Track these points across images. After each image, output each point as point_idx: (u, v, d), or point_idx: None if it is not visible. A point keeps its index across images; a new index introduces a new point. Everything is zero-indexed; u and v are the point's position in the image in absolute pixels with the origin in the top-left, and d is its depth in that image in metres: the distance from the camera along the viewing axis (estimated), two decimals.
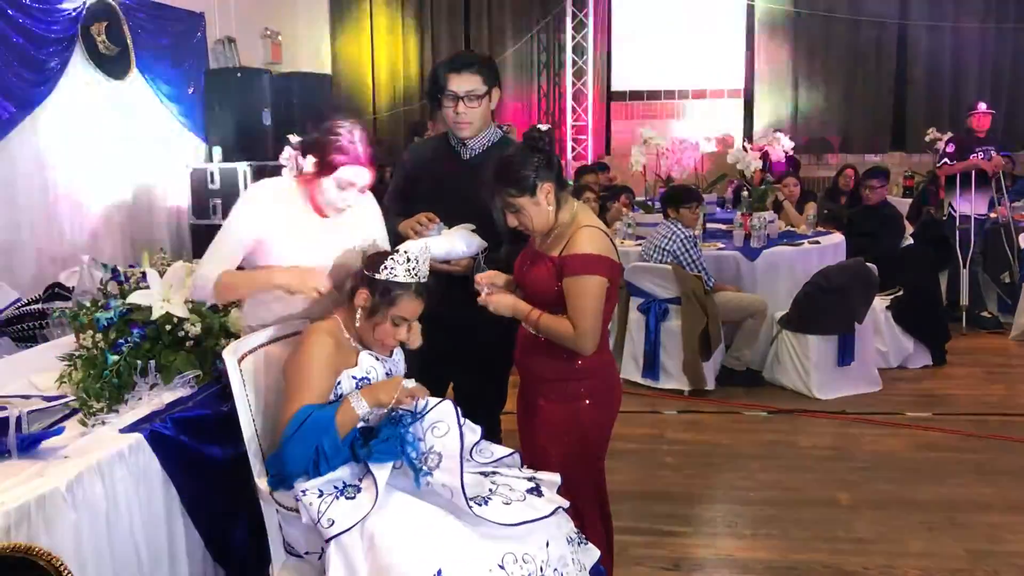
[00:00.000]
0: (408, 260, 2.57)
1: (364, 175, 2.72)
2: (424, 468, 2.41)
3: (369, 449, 2.41)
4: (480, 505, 2.34)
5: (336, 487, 2.39)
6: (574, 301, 2.69)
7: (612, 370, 2.95)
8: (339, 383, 2.55)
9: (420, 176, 3.27)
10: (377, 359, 2.63)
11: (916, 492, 4.29)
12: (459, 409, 2.52)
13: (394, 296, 2.55)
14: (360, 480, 2.43)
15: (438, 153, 3.31)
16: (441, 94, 3.14)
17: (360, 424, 2.47)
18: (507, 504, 2.37)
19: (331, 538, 2.28)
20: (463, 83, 3.11)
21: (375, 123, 10.46)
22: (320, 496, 2.36)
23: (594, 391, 2.82)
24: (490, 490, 2.43)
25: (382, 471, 2.39)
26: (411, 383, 2.50)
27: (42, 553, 1.99)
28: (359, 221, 2.85)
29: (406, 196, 3.27)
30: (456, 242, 3.02)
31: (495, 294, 2.80)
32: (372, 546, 2.26)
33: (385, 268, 2.56)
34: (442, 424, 2.47)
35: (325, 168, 2.67)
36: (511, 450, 2.76)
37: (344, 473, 2.43)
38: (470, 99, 3.12)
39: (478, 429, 2.74)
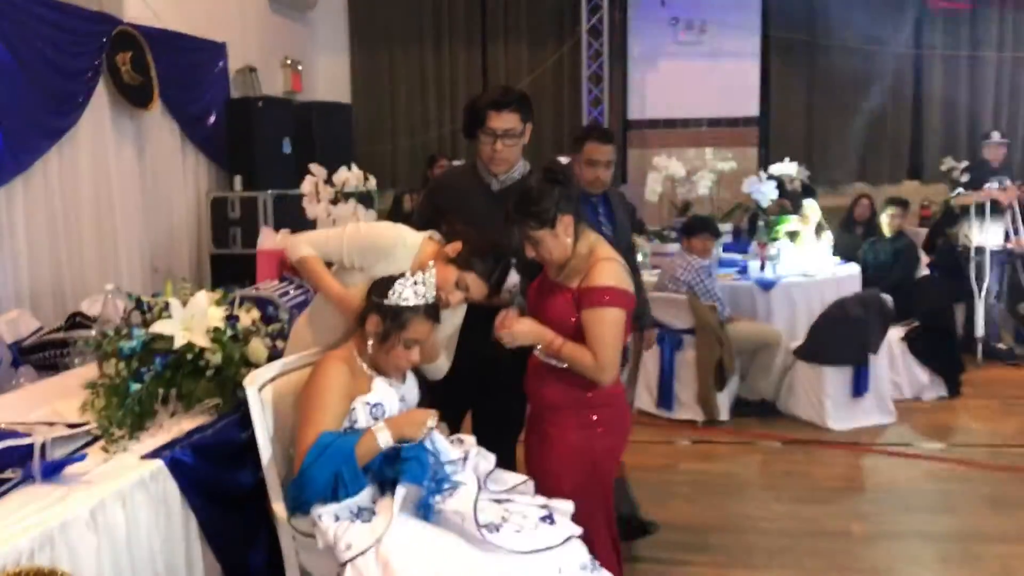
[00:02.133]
0: (415, 283, 2.62)
1: (482, 291, 2.83)
2: (435, 497, 2.45)
3: (397, 469, 2.46)
4: (492, 532, 2.37)
5: (351, 511, 2.44)
6: (595, 333, 2.73)
7: (622, 398, 2.99)
8: (353, 409, 2.59)
9: (449, 207, 3.29)
10: (390, 385, 2.68)
11: (930, 524, 4.29)
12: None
13: (405, 320, 2.60)
14: (374, 504, 2.47)
15: (468, 184, 3.34)
16: (480, 129, 3.19)
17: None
18: (518, 532, 2.40)
19: (347, 561, 2.32)
20: (503, 122, 3.15)
21: (394, 152, 10.55)
22: (336, 520, 2.41)
23: (606, 419, 2.86)
24: (503, 517, 2.46)
25: (399, 491, 2.43)
26: (433, 420, 2.55)
27: None
28: (448, 312, 2.93)
29: (435, 226, 3.31)
30: None
31: (516, 324, 2.79)
32: (387, 570, 2.29)
33: (393, 293, 2.61)
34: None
35: (461, 264, 2.78)
36: (524, 477, 2.80)
37: (360, 498, 2.47)
38: (508, 137, 3.17)
39: (492, 458, 2.78)
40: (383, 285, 2.64)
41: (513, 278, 3.00)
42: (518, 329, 2.78)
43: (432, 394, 3.00)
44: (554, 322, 2.81)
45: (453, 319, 2.98)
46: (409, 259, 2.87)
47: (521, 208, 2.78)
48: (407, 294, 2.61)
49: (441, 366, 2.99)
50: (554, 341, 2.79)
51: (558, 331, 2.80)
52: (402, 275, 2.65)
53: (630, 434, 3.04)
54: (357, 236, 2.90)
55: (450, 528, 2.43)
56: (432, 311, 2.66)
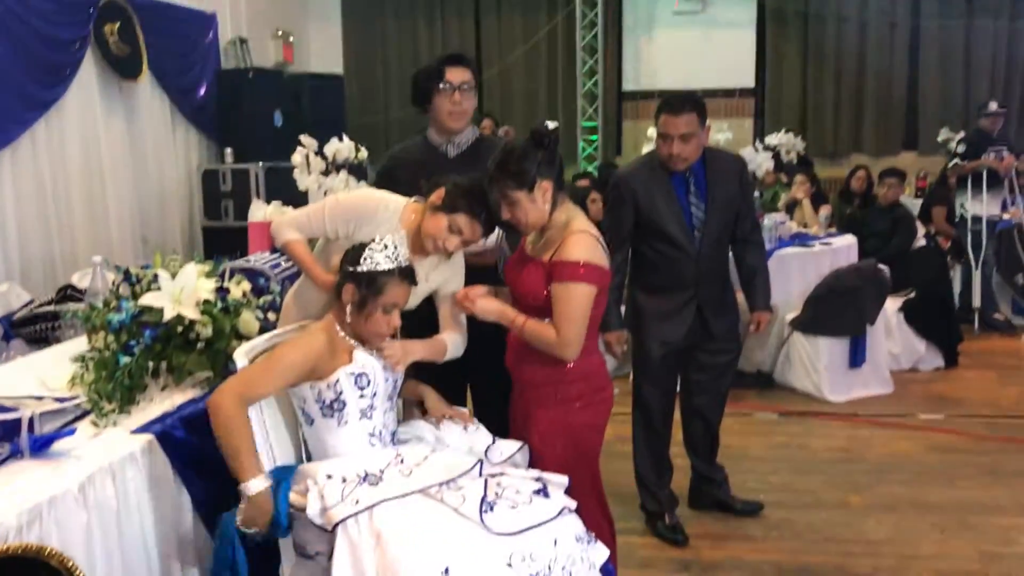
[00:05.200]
0: (386, 247, 2.59)
1: (476, 231, 2.78)
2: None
3: None
4: (487, 512, 2.34)
5: (359, 475, 2.44)
6: (560, 308, 2.69)
7: (602, 371, 2.93)
8: (337, 380, 2.55)
9: (411, 180, 3.22)
10: (372, 355, 2.64)
11: (928, 494, 4.28)
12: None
13: (380, 284, 2.56)
14: (382, 472, 2.47)
15: (423, 156, 3.36)
16: (438, 86, 3.24)
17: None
18: (513, 508, 2.37)
19: (340, 521, 2.30)
20: (459, 75, 3.25)
21: (386, 124, 10.47)
22: (344, 482, 2.42)
23: (585, 394, 2.82)
24: (496, 494, 2.43)
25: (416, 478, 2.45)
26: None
27: (54, 554, 1.99)
28: (443, 280, 2.89)
29: None
30: None
31: (480, 299, 2.79)
32: (379, 542, 2.26)
33: (366, 259, 2.57)
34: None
35: (447, 208, 2.73)
36: (520, 443, 2.78)
37: (368, 464, 2.48)
38: (466, 89, 3.25)
39: (487, 434, 2.77)
40: (355, 253, 2.62)
41: (493, 233, 2.97)
42: (479, 307, 2.77)
43: (432, 372, 2.93)
44: (526, 295, 2.78)
45: (453, 283, 2.92)
46: (393, 223, 2.82)
47: (501, 165, 2.73)
48: (379, 258, 2.57)
49: (458, 346, 2.91)
50: (515, 320, 2.75)
51: (530, 304, 2.76)
52: (372, 240, 2.61)
53: (612, 406, 3.01)
54: (338, 207, 2.87)
55: (447, 504, 2.40)
56: (407, 273, 2.63)
